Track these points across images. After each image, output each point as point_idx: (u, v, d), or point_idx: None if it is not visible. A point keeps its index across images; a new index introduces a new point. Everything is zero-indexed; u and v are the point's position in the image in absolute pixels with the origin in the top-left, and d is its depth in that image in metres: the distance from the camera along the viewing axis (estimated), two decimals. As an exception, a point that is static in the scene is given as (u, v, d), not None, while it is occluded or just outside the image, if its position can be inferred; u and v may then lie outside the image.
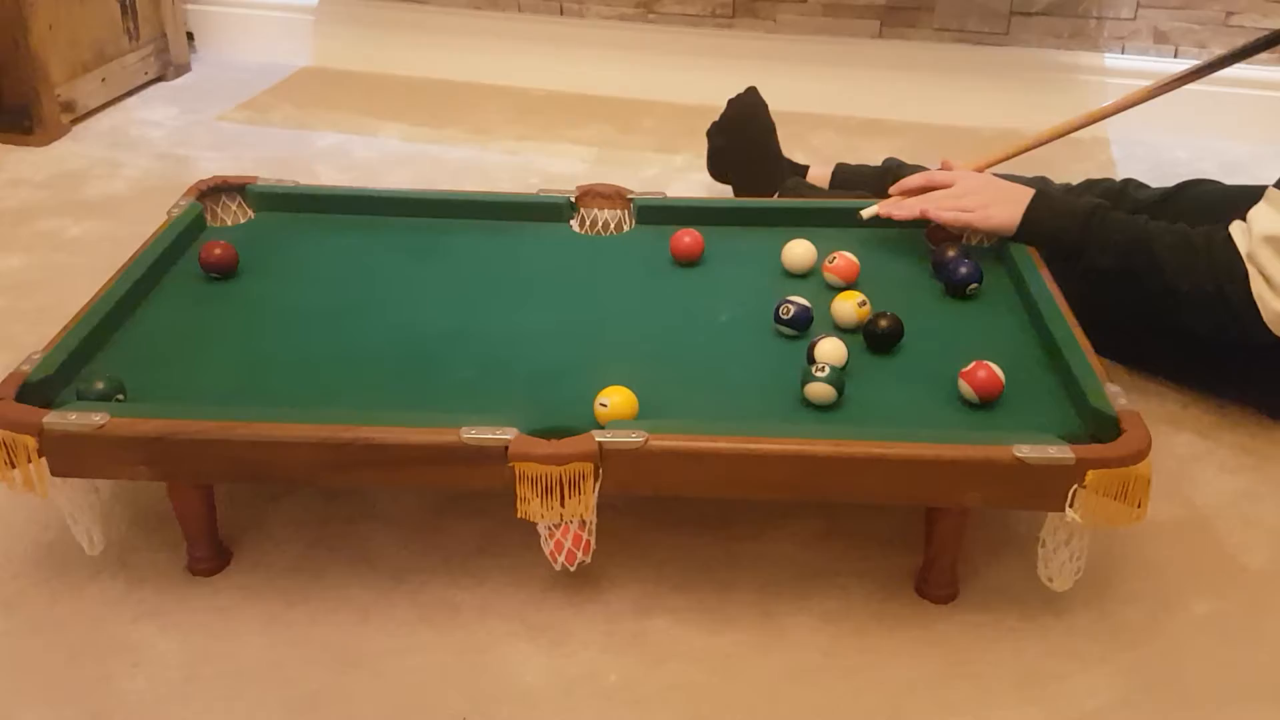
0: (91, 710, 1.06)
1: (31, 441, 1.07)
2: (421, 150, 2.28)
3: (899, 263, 1.44)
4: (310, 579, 1.21)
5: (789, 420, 1.14)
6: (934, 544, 1.16)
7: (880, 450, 1.05)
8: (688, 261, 1.44)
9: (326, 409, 1.12)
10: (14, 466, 1.09)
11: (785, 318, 1.27)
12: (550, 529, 1.10)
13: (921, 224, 1.44)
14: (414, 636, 1.15)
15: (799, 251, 1.40)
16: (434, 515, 1.30)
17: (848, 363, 1.20)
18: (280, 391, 1.19)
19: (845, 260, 1.38)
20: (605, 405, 1.11)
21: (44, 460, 1.08)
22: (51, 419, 1.07)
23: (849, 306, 1.28)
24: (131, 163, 2.21)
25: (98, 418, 1.07)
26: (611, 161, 2.24)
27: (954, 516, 1.12)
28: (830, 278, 1.38)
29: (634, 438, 1.05)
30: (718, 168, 1.94)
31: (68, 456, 1.08)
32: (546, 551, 1.11)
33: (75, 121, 2.35)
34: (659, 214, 1.53)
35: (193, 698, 1.08)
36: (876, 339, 1.25)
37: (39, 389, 1.13)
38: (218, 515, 1.21)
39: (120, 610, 1.17)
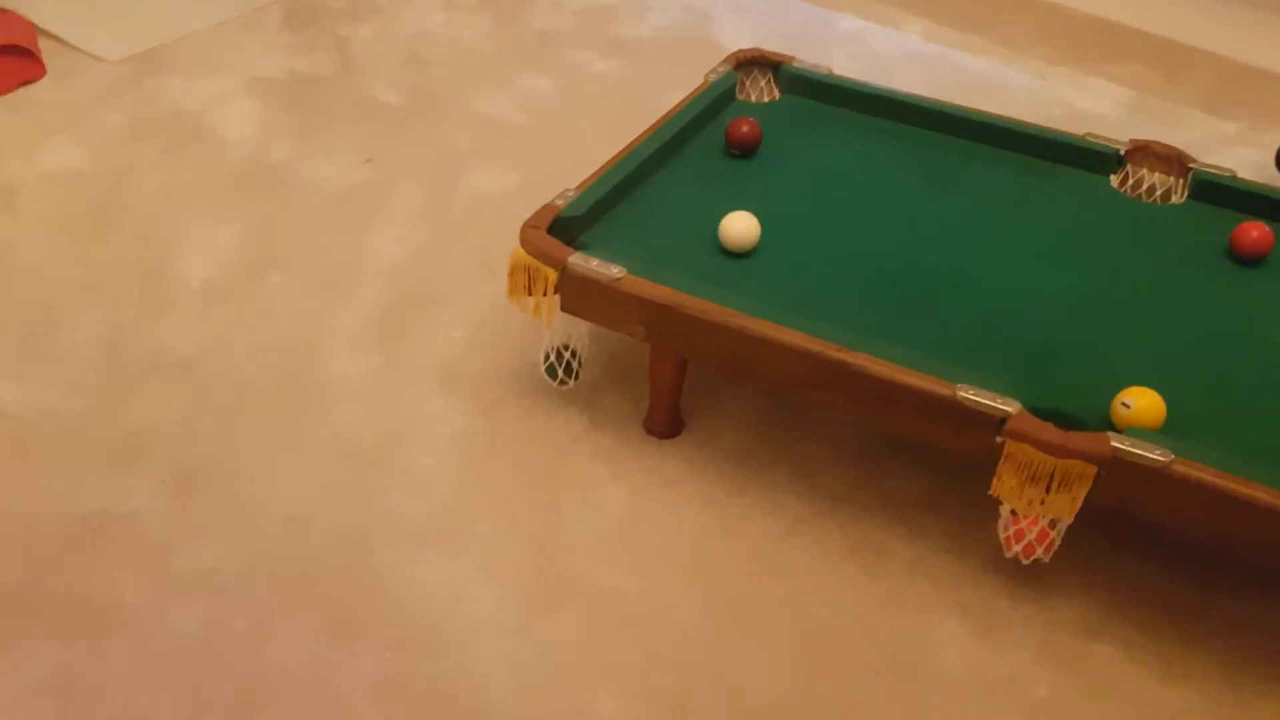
0: (536, 534, 1.15)
1: (553, 275, 1.13)
2: (941, 53, 2.14)
3: None
4: (750, 474, 1.22)
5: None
6: None
7: None
8: (1251, 258, 1.23)
9: (815, 318, 1.08)
10: (530, 293, 1.16)
11: (1368, 364, 1.06)
12: (1015, 514, 1.01)
13: None
14: (839, 569, 1.12)
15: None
16: (880, 451, 1.25)
17: None
18: (770, 286, 1.16)
19: None
20: (1128, 406, 0.98)
21: (557, 295, 1.15)
22: (575, 260, 1.12)
23: None
24: (660, 8, 2.26)
25: (615, 270, 1.10)
26: (1149, 111, 1.99)
27: None
28: None
29: (1158, 455, 0.92)
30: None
31: (578, 297, 1.14)
32: (1002, 536, 1.03)
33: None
34: (1221, 194, 1.32)
35: (627, 549, 1.13)
36: None
37: (564, 226, 1.18)
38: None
39: (580, 446, 1.24)
